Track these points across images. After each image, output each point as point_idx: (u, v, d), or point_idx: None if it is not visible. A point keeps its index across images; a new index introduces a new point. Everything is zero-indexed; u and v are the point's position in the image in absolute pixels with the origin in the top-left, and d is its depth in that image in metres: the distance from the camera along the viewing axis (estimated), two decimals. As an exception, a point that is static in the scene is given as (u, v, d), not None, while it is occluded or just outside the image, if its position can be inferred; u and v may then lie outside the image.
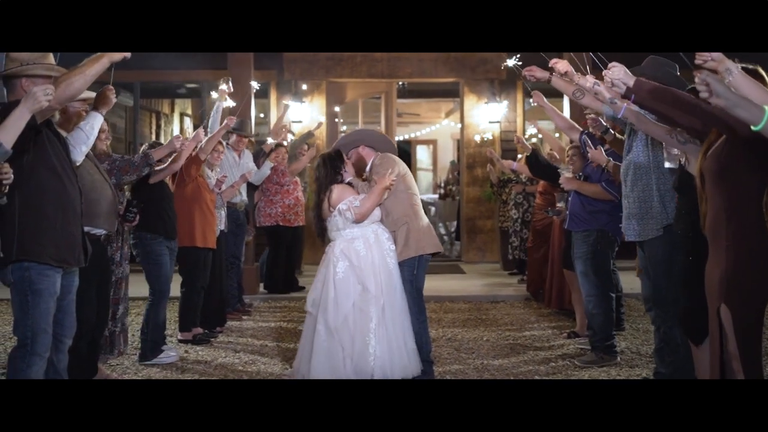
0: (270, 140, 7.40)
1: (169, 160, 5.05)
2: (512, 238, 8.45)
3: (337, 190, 4.26)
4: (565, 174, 5.17)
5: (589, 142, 4.96)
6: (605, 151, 4.81)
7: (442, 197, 14.14)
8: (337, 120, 10.26)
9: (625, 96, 3.18)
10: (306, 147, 8.53)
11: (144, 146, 4.66)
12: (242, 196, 6.61)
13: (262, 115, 10.64)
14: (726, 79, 2.60)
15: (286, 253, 7.76)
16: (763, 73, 2.92)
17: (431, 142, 18.35)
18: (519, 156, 7.73)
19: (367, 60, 10.18)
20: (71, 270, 3.37)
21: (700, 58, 2.68)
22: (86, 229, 3.82)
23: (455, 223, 11.91)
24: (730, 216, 2.86)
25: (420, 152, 18.78)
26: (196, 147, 5.46)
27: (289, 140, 8.06)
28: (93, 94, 3.81)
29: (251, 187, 7.20)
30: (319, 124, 9.55)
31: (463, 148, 10.69)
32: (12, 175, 2.82)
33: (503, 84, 10.17)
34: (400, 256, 4.28)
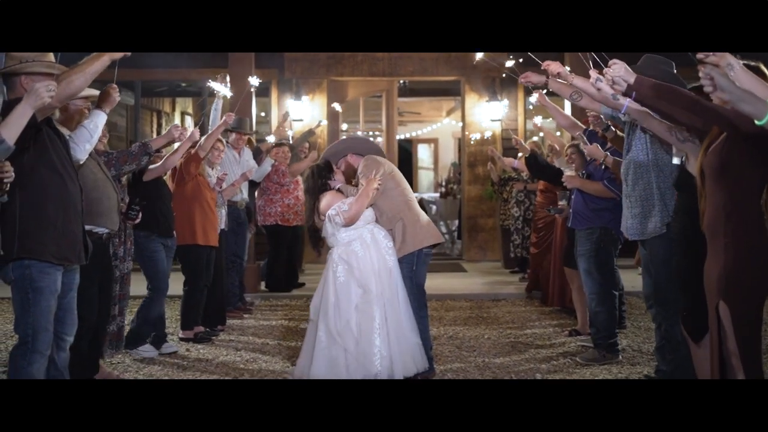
0: (270, 139, 7.38)
1: (164, 158, 5.05)
2: (514, 236, 8.44)
3: (325, 198, 4.36)
4: (568, 172, 5.17)
5: (585, 138, 4.97)
6: (606, 149, 4.81)
7: (443, 196, 14.15)
8: (338, 109, 10.24)
9: (626, 93, 3.18)
10: (307, 146, 8.55)
11: (136, 143, 4.65)
12: (243, 195, 6.61)
13: (263, 114, 10.65)
14: (728, 75, 2.59)
15: (287, 251, 7.77)
16: (765, 70, 2.91)
17: (432, 141, 18.36)
18: (520, 154, 7.74)
19: (368, 59, 10.18)
20: (72, 268, 3.38)
21: (702, 53, 2.67)
22: (89, 227, 3.84)
23: (456, 221, 11.92)
24: (729, 213, 2.85)
25: (421, 151, 18.79)
26: (195, 145, 5.47)
27: (288, 135, 8.06)
28: (96, 92, 3.82)
29: (252, 186, 7.20)
30: (319, 123, 9.56)
31: (464, 147, 10.69)
32: (13, 174, 2.82)
33: (504, 82, 10.17)
34: (399, 252, 4.31)
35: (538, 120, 7.64)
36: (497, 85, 10.20)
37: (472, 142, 10.44)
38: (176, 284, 6.04)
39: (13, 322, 3.27)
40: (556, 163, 6.38)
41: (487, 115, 10.28)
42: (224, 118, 5.70)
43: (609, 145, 4.87)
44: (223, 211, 6.01)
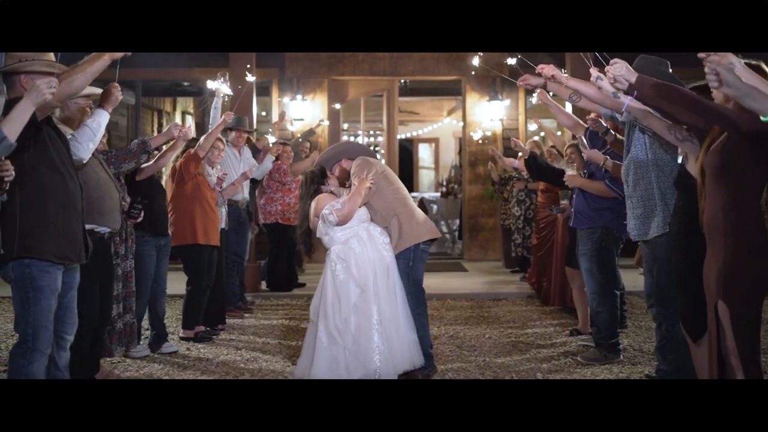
0: (271, 140, 7.37)
1: (156, 156, 5.05)
2: (515, 235, 8.43)
3: (318, 200, 4.42)
4: (569, 172, 5.17)
5: (585, 141, 4.96)
6: (605, 150, 4.81)
7: (444, 195, 14.16)
8: (337, 107, 10.25)
9: (627, 92, 3.18)
10: (308, 145, 8.55)
11: (135, 140, 4.65)
12: (244, 194, 6.60)
13: (263, 113, 10.65)
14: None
15: (288, 250, 7.77)
16: (766, 69, 2.91)
17: (433, 141, 18.35)
18: (520, 154, 7.73)
19: (369, 58, 10.19)
20: (72, 266, 3.38)
21: (703, 53, 2.67)
22: (91, 226, 3.85)
23: (457, 221, 11.92)
24: (729, 212, 2.85)
25: (422, 150, 18.80)
26: (194, 144, 5.47)
27: (289, 130, 8.06)
28: (99, 91, 3.82)
29: (253, 184, 7.20)
30: (320, 122, 9.55)
31: (465, 146, 10.68)
32: (13, 172, 2.82)
33: (505, 81, 10.16)
34: (395, 248, 4.35)
35: (544, 121, 7.63)
36: (498, 84, 10.19)
37: (476, 139, 10.42)
38: (177, 284, 6.05)
39: (14, 321, 3.27)
40: (556, 165, 6.36)
41: (488, 114, 10.28)
42: (223, 117, 5.69)
43: (608, 147, 4.87)
44: (224, 210, 6.01)
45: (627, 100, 3.48)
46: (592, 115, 4.78)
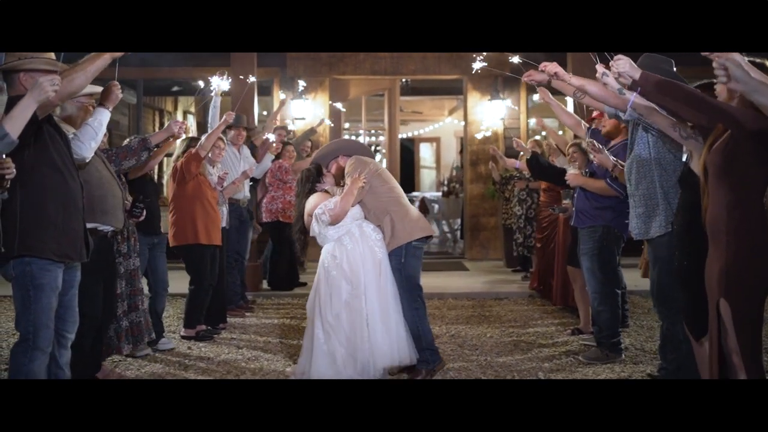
0: (269, 137, 7.35)
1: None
2: (516, 234, 8.42)
3: (311, 199, 4.48)
4: (571, 171, 5.16)
5: (595, 144, 4.95)
6: (610, 149, 4.79)
7: (445, 195, 14.15)
8: (339, 108, 10.25)
9: (630, 88, 3.18)
10: (309, 144, 8.54)
11: (134, 138, 4.65)
12: (245, 192, 6.60)
13: (265, 113, 10.64)
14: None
15: (289, 249, 7.75)
16: (770, 67, 2.90)
17: (435, 140, 18.34)
18: (521, 154, 7.72)
19: (371, 57, 10.18)
20: (73, 265, 3.37)
21: (707, 52, 2.66)
22: (94, 225, 3.85)
23: (459, 220, 11.92)
24: (732, 211, 2.84)
25: (423, 150, 18.78)
26: (196, 144, 5.46)
27: (288, 124, 8.05)
28: (99, 89, 3.82)
29: (253, 183, 7.19)
30: (321, 121, 9.54)
31: (467, 146, 10.67)
32: (14, 170, 2.82)
33: (507, 81, 10.14)
34: (389, 246, 4.38)
35: (546, 121, 7.62)
36: (500, 83, 10.18)
37: (478, 137, 10.41)
38: (178, 282, 6.05)
39: (14, 320, 3.27)
40: (557, 163, 6.36)
41: (490, 113, 10.26)
42: (224, 116, 5.69)
43: (611, 144, 4.86)
44: (225, 209, 6.01)
45: (632, 97, 3.47)
46: (595, 113, 4.77)
